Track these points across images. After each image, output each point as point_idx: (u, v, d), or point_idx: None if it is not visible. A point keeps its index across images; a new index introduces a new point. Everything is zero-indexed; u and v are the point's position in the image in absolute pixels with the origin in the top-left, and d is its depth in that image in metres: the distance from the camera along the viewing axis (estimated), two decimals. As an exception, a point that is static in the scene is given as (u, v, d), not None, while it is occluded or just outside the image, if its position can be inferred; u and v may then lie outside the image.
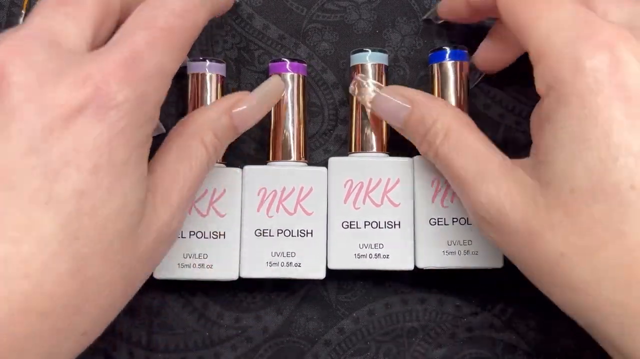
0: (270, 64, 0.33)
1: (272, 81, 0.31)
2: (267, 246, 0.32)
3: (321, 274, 0.32)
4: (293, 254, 0.32)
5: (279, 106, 0.33)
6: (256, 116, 0.30)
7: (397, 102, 0.29)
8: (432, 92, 0.33)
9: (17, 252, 0.20)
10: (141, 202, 0.23)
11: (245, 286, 0.35)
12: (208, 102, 0.33)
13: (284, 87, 0.32)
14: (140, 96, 0.22)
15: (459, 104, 0.32)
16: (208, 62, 0.33)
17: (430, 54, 0.33)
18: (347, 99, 0.36)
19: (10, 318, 0.20)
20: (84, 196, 0.21)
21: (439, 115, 0.28)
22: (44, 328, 0.21)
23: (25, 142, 0.20)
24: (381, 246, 0.32)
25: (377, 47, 0.34)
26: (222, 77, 0.33)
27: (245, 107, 0.29)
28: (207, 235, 0.32)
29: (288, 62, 0.33)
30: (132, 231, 0.23)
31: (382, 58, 0.33)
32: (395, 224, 0.32)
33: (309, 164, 0.34)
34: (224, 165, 0.33)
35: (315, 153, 0.35)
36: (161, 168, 0.26)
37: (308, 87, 0.36)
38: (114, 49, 0.23)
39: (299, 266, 0.32)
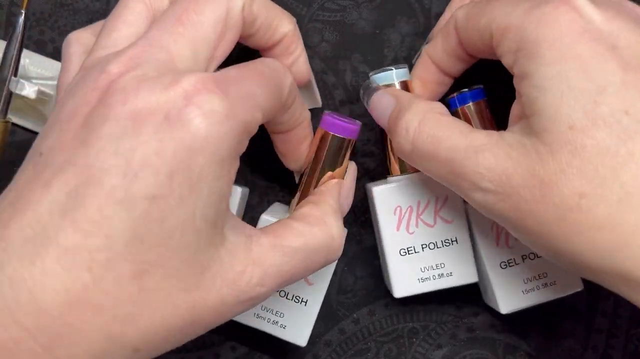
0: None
1: (353, 165, 0.32)
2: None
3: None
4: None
5: None
6: (352, 197, 0.30)
7: (387, 99, 0.29)
8: None
9: (85, 245, 0.21)
10: (211, 225, 0.23)
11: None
12: None
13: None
14: (228, 112, 0.22)
15: None
16: None
17: (449, 99, 0.33)
18: (348, 100, 0.35)
19: (67, 307, 0.20)
20: (155, 201, 0.21)
21: (411, 105, 0.28)
22: (95, 325, 0.21)
23: (113, 142, 0.21)
24: (442, 265, 0.32)
25: (400, 63, 0.33)
26: None
27: (345, 191, 0.30)
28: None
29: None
30: (197, 251, 0.22)
31: (406, 74, 0.32)
32: (452, 241, 0.32)
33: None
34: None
35: (316, 153, 0.35)
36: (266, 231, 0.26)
37: (308, 87, 0.36)
38: (213, 72, 0.24)
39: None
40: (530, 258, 0.32)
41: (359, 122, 0.30)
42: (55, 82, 0.34)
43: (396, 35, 0.35)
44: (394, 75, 0.32)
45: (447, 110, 0.28)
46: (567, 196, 0.23)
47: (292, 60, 0.30)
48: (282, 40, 0.29)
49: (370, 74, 0.32)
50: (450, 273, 0.32)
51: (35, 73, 0.34)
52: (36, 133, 0.34)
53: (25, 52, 0.34)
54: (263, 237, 0.25)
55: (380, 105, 0.30)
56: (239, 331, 0.35)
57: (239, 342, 0.35)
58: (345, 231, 0.30)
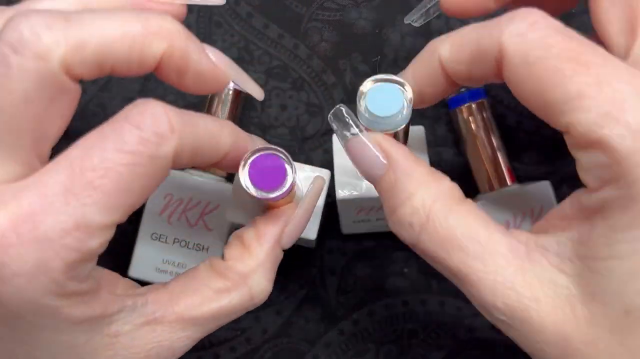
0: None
1: (316, 186, 0.25)
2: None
3: None
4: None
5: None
6: (302, 229, 0.25)
7: (374, 154, 0.23)
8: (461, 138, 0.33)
9: None
10: (87, 341, 0.21)
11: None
12: (219, 113, 0.33)
13: (324, 184, 0.26)
14: (38, 264, 0.18)
15: (490, 143, 0.32)
16: None
17: (448, 99, 0.32)
18: (348, 100, 0.35)
19: None
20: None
21: (418, 187, 0.22)
22: None
23: None
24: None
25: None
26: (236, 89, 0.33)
27: (290, 228, 0.25)
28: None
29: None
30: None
31: (408, 117, 0.25)
32: None
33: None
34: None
35: (315, 153, 0.35)
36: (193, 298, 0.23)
37: (308, 88, 0.35)
38: (22, 196, 0.18)
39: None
40: None
41: (285, 171, 0.24)
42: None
43: (396, 35, 0.35)
44: (393, 125, 0.24)
45: (462, 193, 0.23)
46: None
47: (194, 73, 0.22)
48: (162, 59, 0.21)
49: (362, 89, 0.25)
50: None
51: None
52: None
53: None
54: (169, 311, 0.22)
55: (363, 160, 0.23)
56: (238, 331, 0.35)
57: (238, 343, 0.35)
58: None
